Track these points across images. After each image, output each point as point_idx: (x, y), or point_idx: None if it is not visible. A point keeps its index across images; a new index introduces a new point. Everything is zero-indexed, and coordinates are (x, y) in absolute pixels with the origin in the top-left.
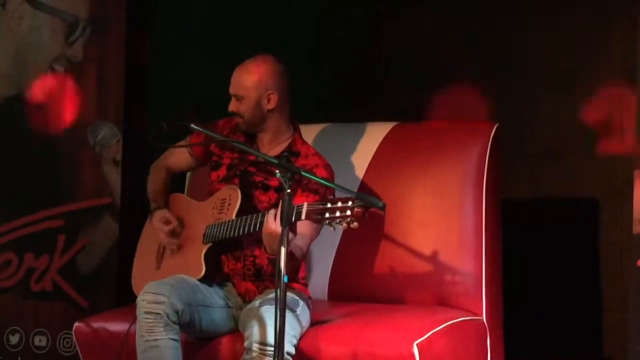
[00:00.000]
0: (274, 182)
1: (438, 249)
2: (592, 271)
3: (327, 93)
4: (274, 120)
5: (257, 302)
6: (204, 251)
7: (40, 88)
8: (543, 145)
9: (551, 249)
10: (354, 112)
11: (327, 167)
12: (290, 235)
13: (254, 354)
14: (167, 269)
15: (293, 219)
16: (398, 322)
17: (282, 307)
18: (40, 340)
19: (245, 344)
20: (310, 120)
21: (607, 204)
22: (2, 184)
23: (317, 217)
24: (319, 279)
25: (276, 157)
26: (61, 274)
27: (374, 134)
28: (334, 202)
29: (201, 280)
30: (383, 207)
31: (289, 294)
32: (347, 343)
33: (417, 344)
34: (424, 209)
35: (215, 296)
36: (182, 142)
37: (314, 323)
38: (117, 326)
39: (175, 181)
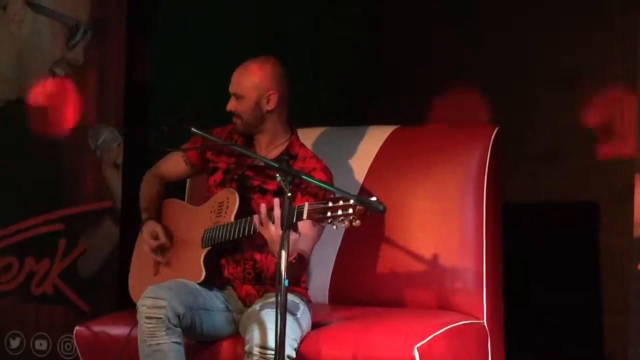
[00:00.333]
0: (271, 186)
1: (439, 252)
2: (593, 274)
3: (327, 96)
4: (272, 122)
5: (257, 306)
6: (203, 255)
7: (41, 91)
8: (544, 147)
9: (552, 252)
10: (354, 115)
11: (326, 169)
12: (295, 235)
13: (255, 358)
14: (165, 274)
15: (295, 219)
16: (399, 326)
17: (282, 311)
18: (41, 344)
19: (246, 347)
20: (310, 123)
21: (608, 206)
22: (2, 187)
23: (318, 217)
24: (320, 283)
25: (275, 160)
26: (62, 278)
27: (375, 137)
28: (335, 201)
29: (201, 284)
30: (383, 211)
31: (290, 298)
32: (348, 346)
33: (417, 348)
34: (425, 212)
35: (215, 300)
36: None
37: (314, 326)
38: (118, 330)
39: (175, 188)
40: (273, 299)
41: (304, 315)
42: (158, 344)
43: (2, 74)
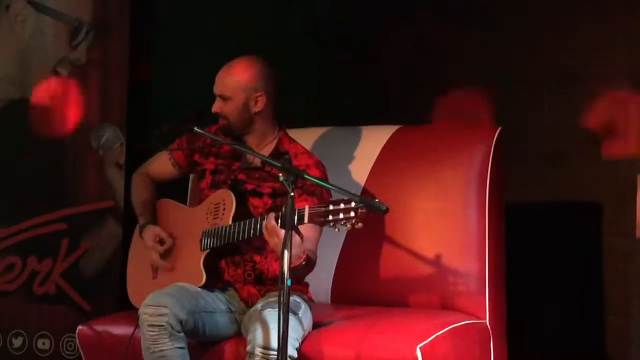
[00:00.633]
0: (266, 189)
1: (441, 252)
2: (596, 275)
3: (329, 96)
4: (260, 122)
5: (259, 306)
6: (202, 258)
7: (43, 91)
8: (546, 148)
9: (554, 253)
10: (356, 115)
11: (319, 164)
12: (298, 238)
13: (257, 358)
14: (164, 278)
15: (296, 223)
16: (401, 325)
17: (285, 310)
18: (43, 344)
19: (248, 348)
20: (312, 123)
21: (611, 208)
22: (5, 187)
23: (320, 220)
24: (322, 282)
25: (271, 156)
26: (64, 277)
27: (377, 138)
28: (335, 203)
29: (202, 287)
30: (386, 211)
31: (291, 297)
32: (350, 346)
33: (420, 348)
34: (427, 212)
35: (217, 301)
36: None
37: (317, 326)
38: (121, 329)
39: (176, 189)
40: (274, 298)
41: (306, 314)
42: (162, 350)
43: (4, 73)
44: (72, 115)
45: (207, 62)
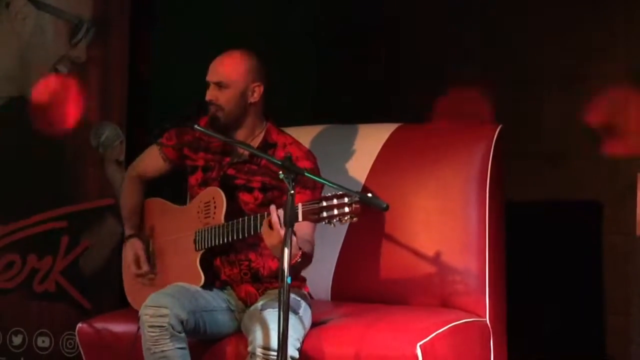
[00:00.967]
0: (256, 184)
1: (441, 251)
2: (596, 274)
3: (329, 94)
4: (251, 115)
5: (259, 305)
6: (198, 258)
7: (43, 89)
8: (547, 146)
9: (554, 251)
10: (356, 114)
11: (309, 155)
12: (294, 237)
13: (258, 359)
14: (162, 279)
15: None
16: (401, 324)
17: (285, 310)
18: (43, 341)
19: (249, 348)
20: (312, 121)
21: (611, 206)
22: (5, 184)
23: (314, 217)
24: (322, 280)
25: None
26: (64, 275)
27: (377, 136)
28: (328, 199)
29: (202, 287)
30: (386, 209)
31: (291, 295)
32: (350, 344)
33: (420, 345)
34: (427, 210)
35: (217, 299)
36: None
37: (317, 324)
38: (120, 327)
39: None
40: (274, 297)
41: (306, 312)
42: (163, 351)
43: (5, 71)
44: (72, 113)
45: (207, 61)
